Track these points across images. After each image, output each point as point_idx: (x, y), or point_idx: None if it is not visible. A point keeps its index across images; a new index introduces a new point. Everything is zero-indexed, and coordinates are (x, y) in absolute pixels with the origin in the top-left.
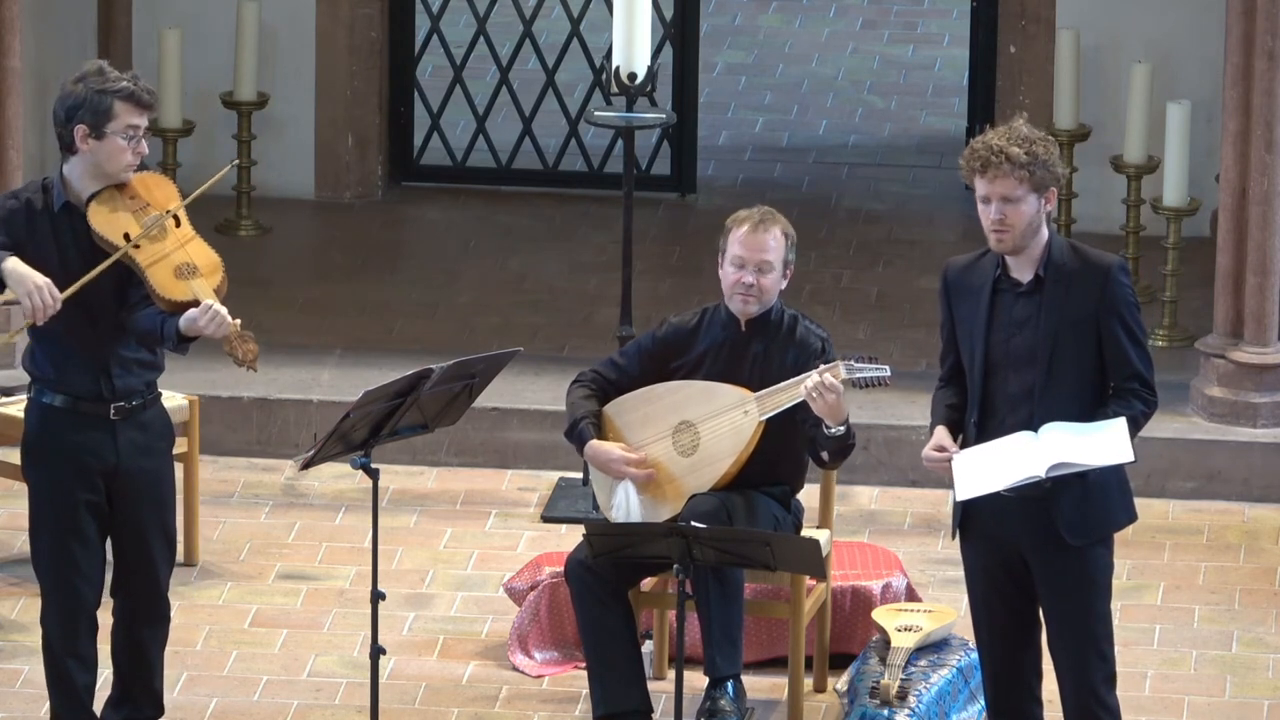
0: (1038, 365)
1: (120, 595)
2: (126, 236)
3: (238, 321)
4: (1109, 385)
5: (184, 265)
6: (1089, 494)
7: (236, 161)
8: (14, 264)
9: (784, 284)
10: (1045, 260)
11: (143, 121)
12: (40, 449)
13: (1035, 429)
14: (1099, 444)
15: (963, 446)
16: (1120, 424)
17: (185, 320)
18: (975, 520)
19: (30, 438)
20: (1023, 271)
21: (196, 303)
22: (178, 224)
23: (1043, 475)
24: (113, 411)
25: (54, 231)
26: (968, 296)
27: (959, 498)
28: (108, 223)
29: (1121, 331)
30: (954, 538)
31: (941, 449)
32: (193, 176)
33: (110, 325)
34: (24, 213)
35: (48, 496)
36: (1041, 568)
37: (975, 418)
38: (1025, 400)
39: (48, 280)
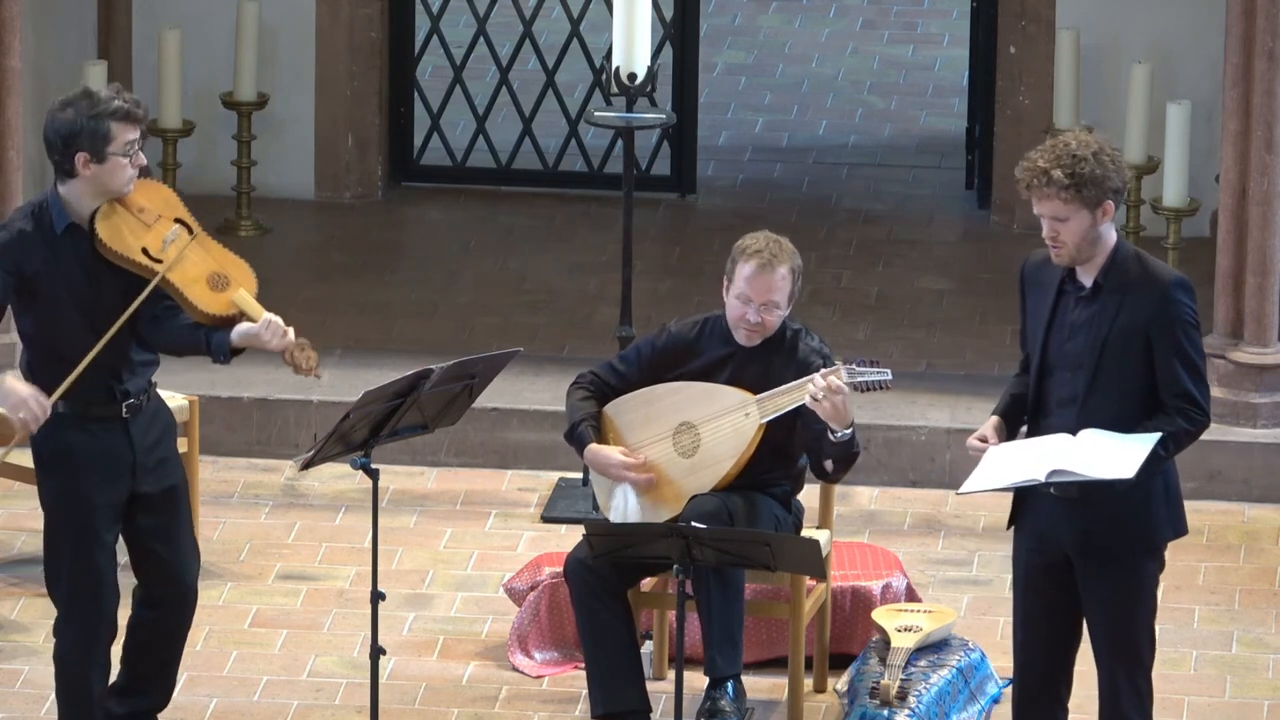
0: (1085, 371)
1: (148, 594)
2: (146, 251)
3: (291, 330)
4: (1158, 399)
5: (215, 276)
6: (1130, 504)
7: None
8: (9, 380)
9: (789, 310)
10: (1107, 268)
11: (137, 135)
12: (56, 459)
13: (1076, 433)
14: (1110, 457)
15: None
16: (1150, 440)
17: (240, 335)
18: (1026, 516)
19: (43, 450)
20: (1086, 276)
21: (240, 316)
22: (190, 232)
23: (1042, 480)
24: (125, 410)
25: (55, 256)
26: (1038, 293)
27: (960, 491)
28: (121, 241)
29: (1171, 348)
30: (1008, 528)
31: (984, 439)
32: (193, 177)
33: (120, 337)
34: (18, 243)
35: (67, 507)
36: (1082, 574)
37: (1030, 414)
38: (1071, 404)
39: (33, 390)
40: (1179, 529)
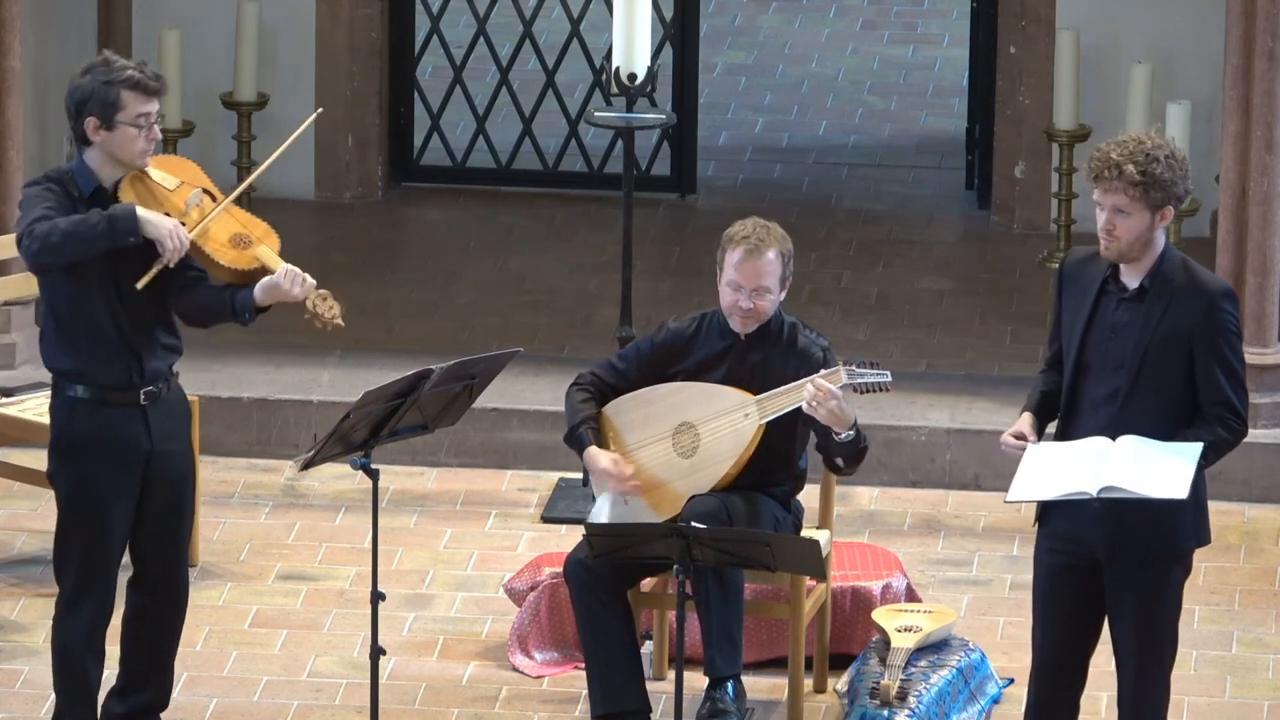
0: (1125, 373)
1: (144, 584)
2: (169, 216)
3: (310, 277)
4: (1197, 406)
5: (238, 235)
6: (1159, 512)
7: (320, 110)
8: (143, 210)
9: (783, 295)
10: (1154, 271)
11: (152, 108)
12: (72, 444)
13: (1111, 435)
14: (1159, 473)
15: (1054, 438)
16: (1193, 450)
17: (262, 288)
18: (1054, 517)
19: (60, 435)
20: (1131, 278)
21: (264, 271)
22: (213, 199)
23: (1093, 494)
24: (143, 397)
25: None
26: (1078, 291)
27: (1008, 498)
28: (144, 206)
29: (1215, 359)
30: (1034, 526)
31: (1021, 436)
32: None
33: (141, 309)
34: (63, 194)
35: (81, 495)
36: (1111, 577)
37: (1063, 412)
38: (1107, 405)
39: (177, 221)
40: (1202, 538)
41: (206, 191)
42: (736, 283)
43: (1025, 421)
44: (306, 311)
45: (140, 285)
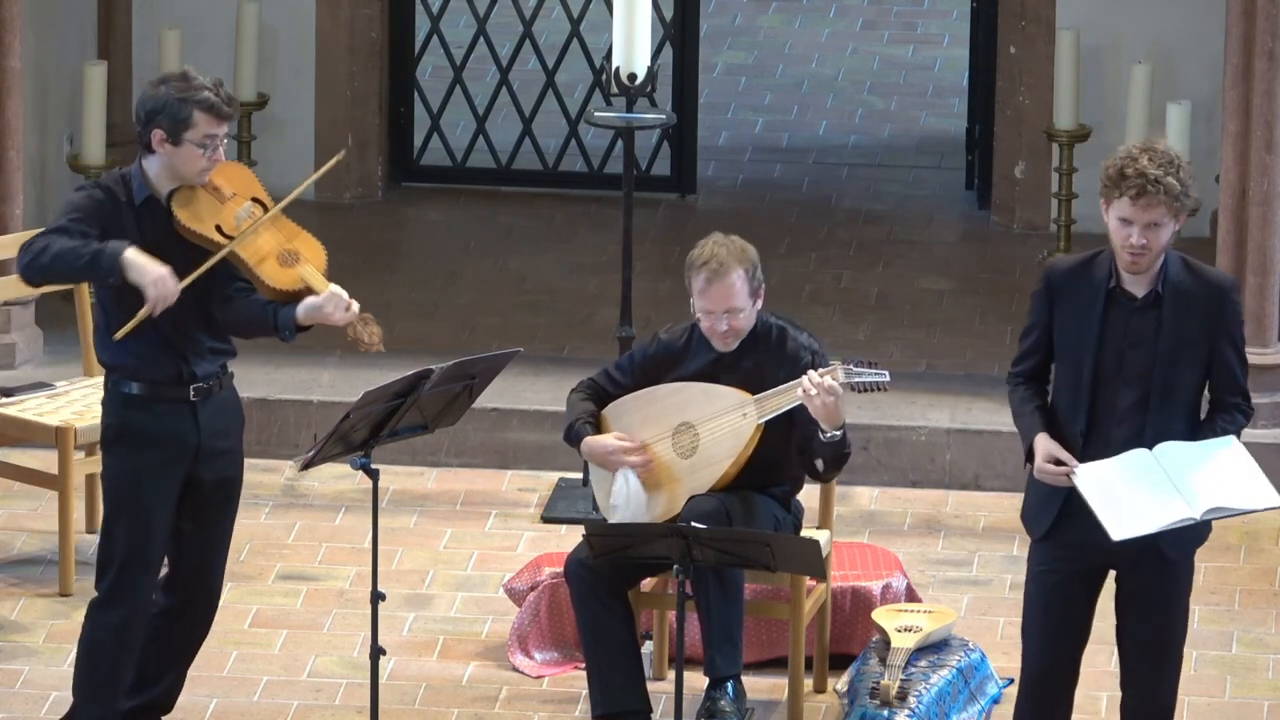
0: (1153, 382)
1: (176, 584)
2: (219, 229)
3: (355, 303)
4: (1207, 398)
5: (285, 252)
6: None
7: (345, 150)
8: (134, 253)
9: (759, 303)
10: (1163, 277)
11: (221, 130)
12: (120, 437)
13: (1144, 443)
14: (1244, 484)
15: (1077, 452)
16: (1231, 445)
17: (305, 309)
18: (1065, 526)
19: (111, 428)
20: (1138, 286)
21: (308, 290)
22: (265, 209)
23: (1198, 518)
24: (192, 393)
25: (137, 224)
26: (1075, 303)
27: (1115, 538)
28: (196, 218)
29: (1232, 350)
30: (1034, 536)
31: (1059, 462)
32: None
33: (190, 313)
34: (110, 204)
35: (127, 488)
36: (1129, 577)
37: (1082, 428)
38: (1133, 414)
39: (168, 269)
40: (1208, 533)
41: (258, 201)
42: (707, 309)
43: (1053, 445)
44: (348, 335)
45: (117, 337)
